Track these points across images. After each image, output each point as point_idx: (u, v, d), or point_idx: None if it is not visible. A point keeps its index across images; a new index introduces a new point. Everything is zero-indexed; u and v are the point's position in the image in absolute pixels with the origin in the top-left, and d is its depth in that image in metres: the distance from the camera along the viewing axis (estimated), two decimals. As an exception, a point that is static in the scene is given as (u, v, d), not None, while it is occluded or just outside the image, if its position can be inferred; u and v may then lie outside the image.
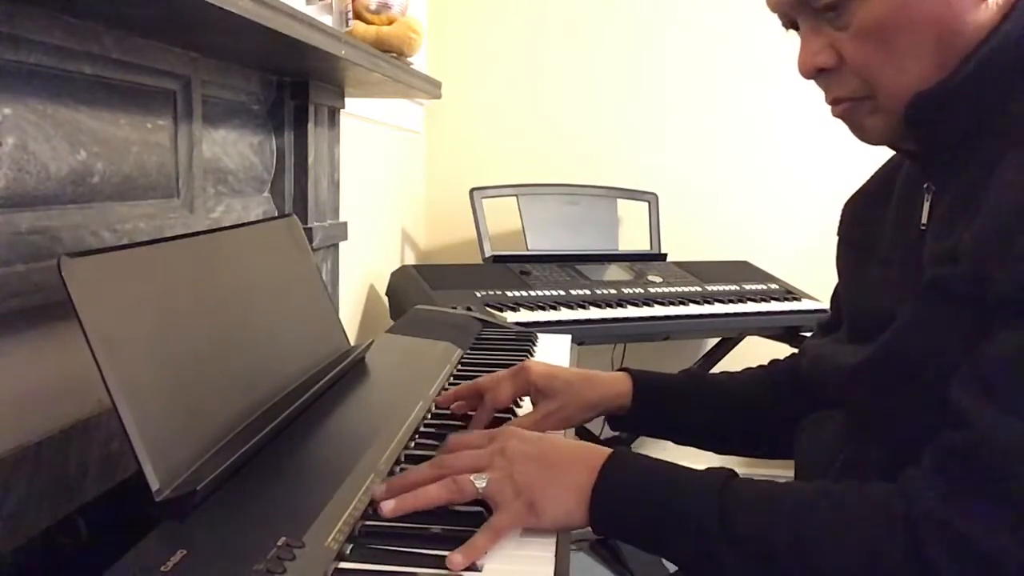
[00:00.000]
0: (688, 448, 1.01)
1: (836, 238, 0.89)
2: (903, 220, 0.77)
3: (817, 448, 0.83)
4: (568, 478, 0.67)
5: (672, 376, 0.99)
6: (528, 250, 2.18)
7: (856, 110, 0.72)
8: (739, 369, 1.02)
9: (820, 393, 0.83)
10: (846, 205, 0.89)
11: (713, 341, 2.31)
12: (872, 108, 0.71)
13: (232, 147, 1.15)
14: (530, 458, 0.68)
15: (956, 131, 0.68)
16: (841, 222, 0.89)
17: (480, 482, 0.66)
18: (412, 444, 0.83)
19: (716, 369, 2.28)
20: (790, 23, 0.75)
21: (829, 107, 0.74)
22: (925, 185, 0.74)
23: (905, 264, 0.74)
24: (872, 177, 0.88)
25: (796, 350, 0.93)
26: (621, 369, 0.98)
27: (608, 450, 0.70)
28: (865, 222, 0.84)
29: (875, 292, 0.77)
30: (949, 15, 0.65)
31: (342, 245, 1.50)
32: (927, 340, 0.66)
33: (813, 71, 0.72)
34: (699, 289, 2.09)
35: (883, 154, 0.88)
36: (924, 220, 0.73)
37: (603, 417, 0.97)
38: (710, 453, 1.02)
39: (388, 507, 0.65)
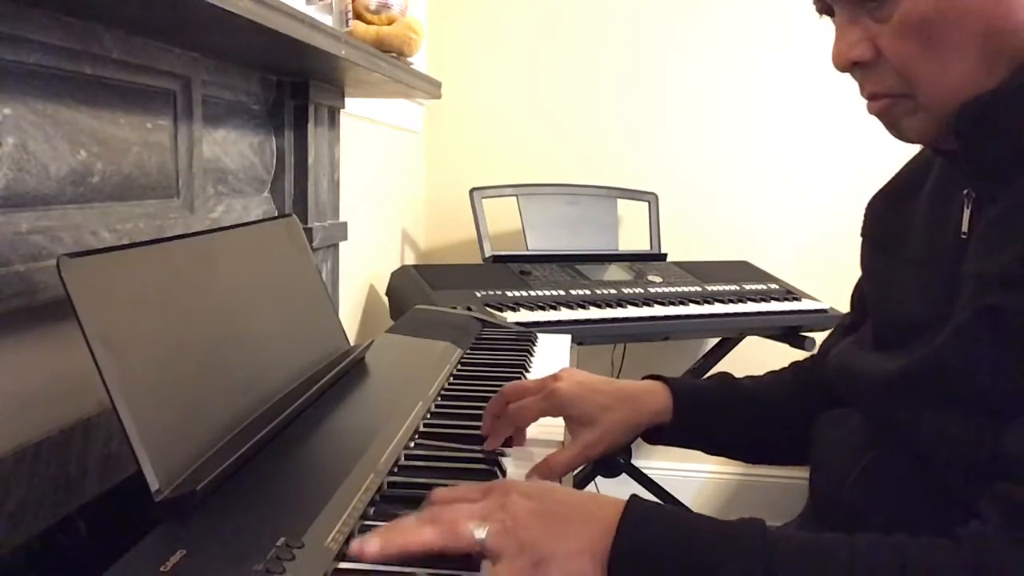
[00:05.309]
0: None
1: (860, 238, 0.85)
2: (936, 222, 0.73)
3: (834, 450, 0.81)
4: (580, 537, 0.59)
5: (708, 386, 0.95)
6: (528, 250, 2.18)
7: (894, 108, 0.69)
8: (762, 373, 0.99)
9: (844, 399, 0.81)
10: (869, 205, 0.86)
11: (713, 341, 2.31)
12: (911, 107, 0.67)
13: (232, 147, 1.15)
14: (535, 514, 0.59)
15: (1007, 142, 0.64)
16: (865, 222, 0.85)
17: (480, 532, 0.58)
18: (412, 444, 0.83)
19: (716, 369, 2.28)
20: (825, 9, 0.71)
21: (865, 102, 0.70)
22: (965, 192, 0.70)
23: (940, 272, 0.70)
24: (896, 175, 0.85)
25: (802, 350, 0.92)
26: (652, 376, 0.93)
27: (619, 502, 0.61)
28: (890, 221, 0.81)
29: (904, 297, 0.74)
30: (998, 13, 0.62)
31: (342, 245, 1.50)
32: (971, 362, 0.62)
33: (848, 64, 0.68)
34: (699, 289, 2.09)
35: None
36: (965, 228, 0.69)
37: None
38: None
39: (373, 546, 0.57)
